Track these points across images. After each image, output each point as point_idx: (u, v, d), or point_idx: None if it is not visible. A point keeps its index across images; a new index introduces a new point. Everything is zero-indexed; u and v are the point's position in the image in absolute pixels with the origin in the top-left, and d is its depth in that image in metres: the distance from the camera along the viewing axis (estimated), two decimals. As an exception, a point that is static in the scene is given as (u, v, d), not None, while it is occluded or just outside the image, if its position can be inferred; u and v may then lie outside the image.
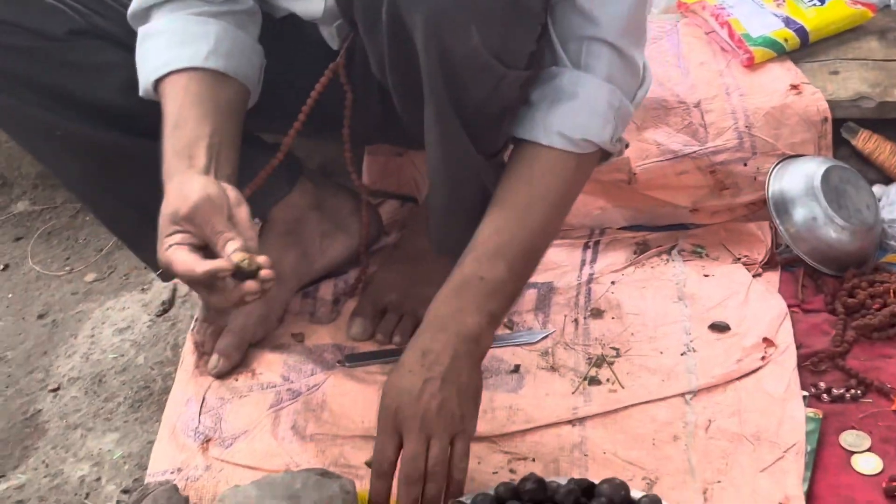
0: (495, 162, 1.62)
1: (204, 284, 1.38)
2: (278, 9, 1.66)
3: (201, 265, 1.36)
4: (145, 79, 1.54)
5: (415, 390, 1.41)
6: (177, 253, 1.38)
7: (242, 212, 1.42)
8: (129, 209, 1.71)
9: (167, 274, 1.77)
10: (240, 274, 1.37)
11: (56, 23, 1.58)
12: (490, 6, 1.36)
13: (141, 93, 1.56)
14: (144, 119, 1.62)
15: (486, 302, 1.46)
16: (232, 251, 1.37)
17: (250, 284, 1.37)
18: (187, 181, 1.42)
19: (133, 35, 1.58)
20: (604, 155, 1.58)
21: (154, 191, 1.69)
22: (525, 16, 1.42)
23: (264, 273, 1.37)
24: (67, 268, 2.10)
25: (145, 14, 1.56)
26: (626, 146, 1.65)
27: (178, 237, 1.39)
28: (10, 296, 2.05)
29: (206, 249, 1.40)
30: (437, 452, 1.40)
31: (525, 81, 1.49)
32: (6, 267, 2.12)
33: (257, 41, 1.61)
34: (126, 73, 1.58)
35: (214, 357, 1.74)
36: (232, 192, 1.42)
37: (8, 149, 2.21)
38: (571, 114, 1.49)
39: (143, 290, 2.01)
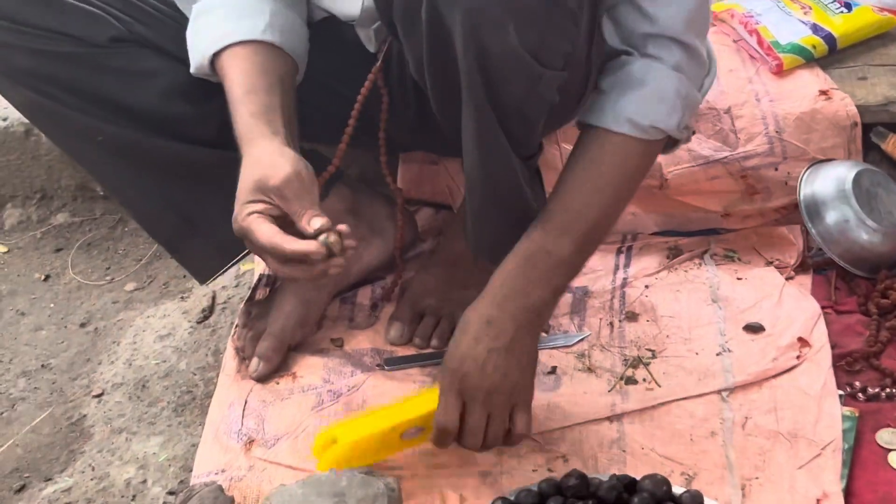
0: (530, 164, 1.64)
1: (283, 258, 1.42)
2: (316, 10, 1.69)
3: (291, 244, 1.41)
4: (202, 52, 1.58)
5: (480, 359, 1.48)
6: (259, 223, 1.42)
7: (316, 191, 1.47)
8: (170, 213, 1.75)
9: (206, 276, 1.82)
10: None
11: (99, 30, 1.62)
12: (527, 4, 1.37)
13: (193, 69, 1.60)
14: (184, 125, 1.67)
15: (551, 276, 1.51)
16: (318, 229, 1.41)
17: (337, 260, 1.42)
18: (277, 151, 1.46)
19: (174, 42, 1.62)
20: (670, 142, 1.59)
21: (194, 196, 1.74)
22: (562, 14, 1.43)
23: (348, 242, 1.43)
24: (108, 277, 2.14)
25: None
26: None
27: (259, 206, 1.43)
28: (52, 305, 2.08)
29: (282, 220, 1.43)
30: (496, 426, 1.50)
31: (562, 83, 1.52)
32: (48, 277, 2.15)
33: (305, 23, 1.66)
34: (167, 79, 1.62)
35: (255, 361, 1.77)
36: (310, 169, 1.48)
37: (48, 161, 2.25)
38: (641, 101, 1.51)
39: (182, 298, 2.04)
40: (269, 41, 1.57)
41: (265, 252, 1.44)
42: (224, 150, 1.68)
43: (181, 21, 1.63)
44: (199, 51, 1.58)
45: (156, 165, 1.70)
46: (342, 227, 1.43)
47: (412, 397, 1.58)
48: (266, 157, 1.45)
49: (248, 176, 1.44)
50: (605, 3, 1.51)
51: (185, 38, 1.61)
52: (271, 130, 1.48)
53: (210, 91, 1.61)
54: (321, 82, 1.73)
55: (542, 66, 1.45)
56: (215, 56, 1.57)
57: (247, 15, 1.58)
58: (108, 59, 1.63)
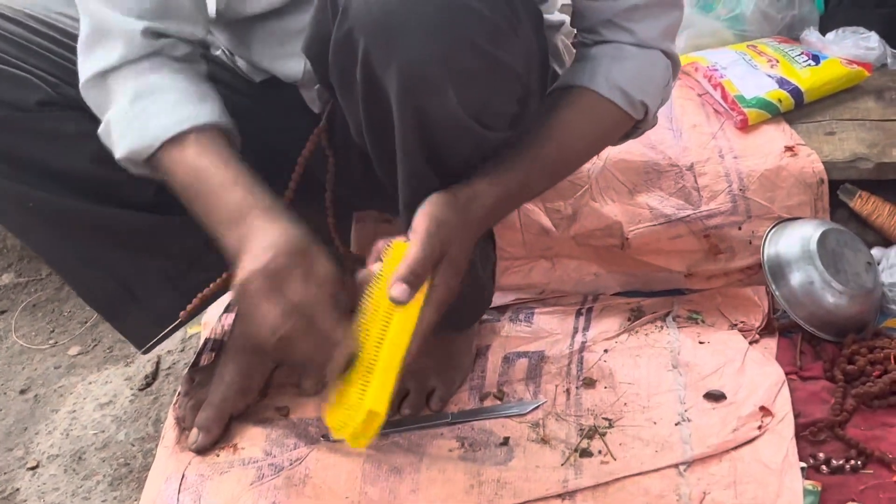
0: None
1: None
2: (258, 72, 1.64)
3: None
4: (152, 137, 1.46)
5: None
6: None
7: None
8: (106, 280, 1.68)
9: (144, 343, 1.75)
10: None
11: (25, 94, 1.55)
12: (468, 66, 1.32)
13: (125, 152, 1.48)
14: (119, 189, 1.60)
15: (516, 203, 1.58)
16: None
17: None
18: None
19: None
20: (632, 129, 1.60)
21: (130, 261, 1.68)
22: (506, 77, 1.39)
23: None
24: (52, 341, 2.07)
25: (101, 79, 1.50)
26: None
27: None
28: (-8, 370, 2.02)
29: None
30: None
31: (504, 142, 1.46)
32: (-10, 341, 2.10)
33: None
34: (98, 142, 1.55)
35: (194, 432, 1.70)
36: None
37: (-6, 221, 2.19)
38: (634, 72, 1.52)
39: (126, 363, 1.97)
40: (224, 125, 1.49)
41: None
42: (160, 213, 1.63)
43: None
44: (144, 135, 1.46)
45: (89, 231, 1.64)
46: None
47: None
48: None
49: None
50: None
51: None
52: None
53: None
54: (266, 142, 1.67)
55: (485, 128, 1.40)
56: (170, 141, 1.45)
57: (203, 97, 1.49)
58: (37, 123, 1.56)
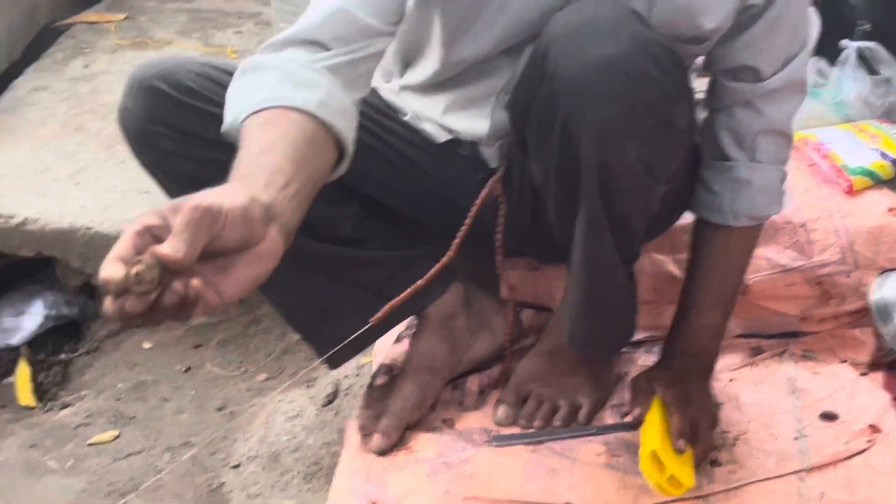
0: (629, 269, 1.89)
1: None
2: (443, 132, 1.93)
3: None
4: (242, 107, 1.43)
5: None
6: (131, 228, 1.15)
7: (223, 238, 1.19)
8: (307, 304, 1.95)
9: (335, 363, 2.03)
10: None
11: None
12: (648, 125, 1.60)
13: (226, 125, 1.47)
14: (322, 225, 1.85)
15: (709, 343, 1.96)
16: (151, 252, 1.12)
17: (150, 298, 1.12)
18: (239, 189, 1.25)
19: None
20: None
21: (327, 289, 1.94)
22: (676, 135, 1.68)
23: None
24: (241, 369, 2.38)
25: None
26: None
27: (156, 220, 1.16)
28: (192, 392, 2.32)
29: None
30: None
31: (663, 195, 1.76)
32: (188, 369, 2.40)
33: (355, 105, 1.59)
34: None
35: (377, 436, 1.96)
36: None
37: (191, 268, 2.52)
38: (753, 199, 1.86)
39: (308, 386, 2.27)
40: (321, 117, 1.43)
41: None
42: (356, 249, 1.93)
43: None
44: (239, 105, 1.45)
45: (294, 261, 1.90)
46: (166, 252, 1.11)
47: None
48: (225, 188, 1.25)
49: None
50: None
51: None
52: (264, 183, 1.28)
53: (348, 196, 1.87)
54: (440, 193, 1.96)
55: (652, 179, 1.69)
56: (255, 114, 1.41)
57: (303, 85, 1.46)
58: None
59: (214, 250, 1.18)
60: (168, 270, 1.11)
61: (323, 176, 1.44)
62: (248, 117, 1.42)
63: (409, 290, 1.87)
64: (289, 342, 2.41)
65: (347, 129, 1.49)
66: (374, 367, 2.19)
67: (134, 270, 1.09)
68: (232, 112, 1.46)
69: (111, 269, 1.11)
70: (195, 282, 1.13)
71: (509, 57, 1.78)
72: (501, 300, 2.13)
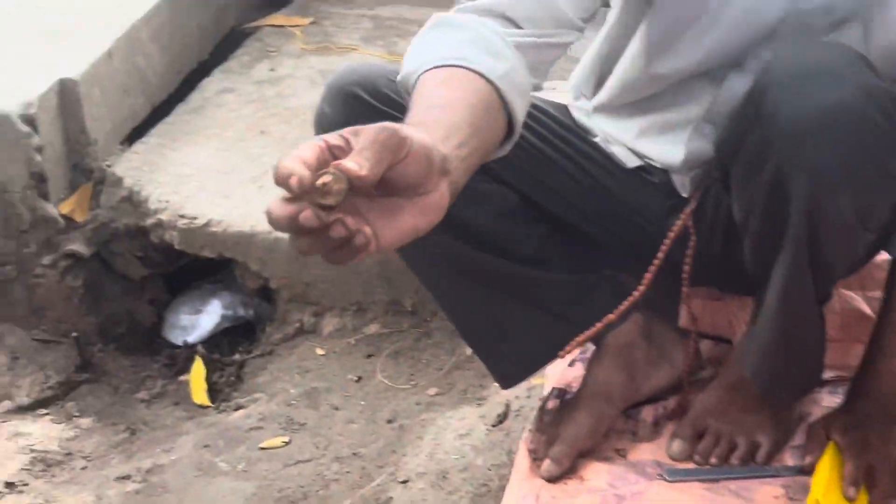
0: (821, 309, 1.82)
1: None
2: (633, 158, 1.89)
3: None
4: (426, 60, 1.40)
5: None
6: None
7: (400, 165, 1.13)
8: (484, 320, 1.94)
9: (509, 382, 2.01)
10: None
11: None
12: (867, 175, 1.53)
13: (404, 73, 1.44)
14: (507, 243, 1.85)
15: None
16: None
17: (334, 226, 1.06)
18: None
19: (506, 170, 1.79)
20: None
21: (506, 307, 1.93)
22: (890, 180, 1.59)
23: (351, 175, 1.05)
24: (412, 382, 2.39)
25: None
26: None
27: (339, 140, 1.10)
28: (362, 403, 2.34)
29: None
30: None
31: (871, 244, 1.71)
32: (359, 378, 2.42)
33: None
34: (500, 201, 1.83)
35: (547, 462, 1.93)
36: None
37: (366, 277, 2.54)
38: None
39: (478, 404, 2.26)
40: (500, 88, 1.39)
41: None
42: (538, 269, 1.91)
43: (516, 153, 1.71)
44: (423, 57, 1.42)
45: (477, 276, 1.90)
46: (350, 166, 1.05)
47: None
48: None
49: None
50: None
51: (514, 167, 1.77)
52: (442, 136, 1.22)
53: (536, 216, 1.85)
54: (627, 219, 1.93)
55: (863, 228, 1.62)
56: (436, 69, 1.38)
57: (492, 52, 1.43)
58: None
59: (389, 183, 1.11)
60: (351, 188, 1.03)
61: (490, 148, 1.38)
62: (428, 70, 1.39)
63: (599, 324, 1.86)
64: (459, 358, 2.41)
65: (521, 109, 1.45)
66: (546, 390, 2.16)
67: (321, 181, 1.00)
68: (414, 62, 1.43)
69: (296, 166, 1.02)
70: (367, 228, 1.07)
71: (709, 81, 1.74)
72: (680, 329, 2.08)
